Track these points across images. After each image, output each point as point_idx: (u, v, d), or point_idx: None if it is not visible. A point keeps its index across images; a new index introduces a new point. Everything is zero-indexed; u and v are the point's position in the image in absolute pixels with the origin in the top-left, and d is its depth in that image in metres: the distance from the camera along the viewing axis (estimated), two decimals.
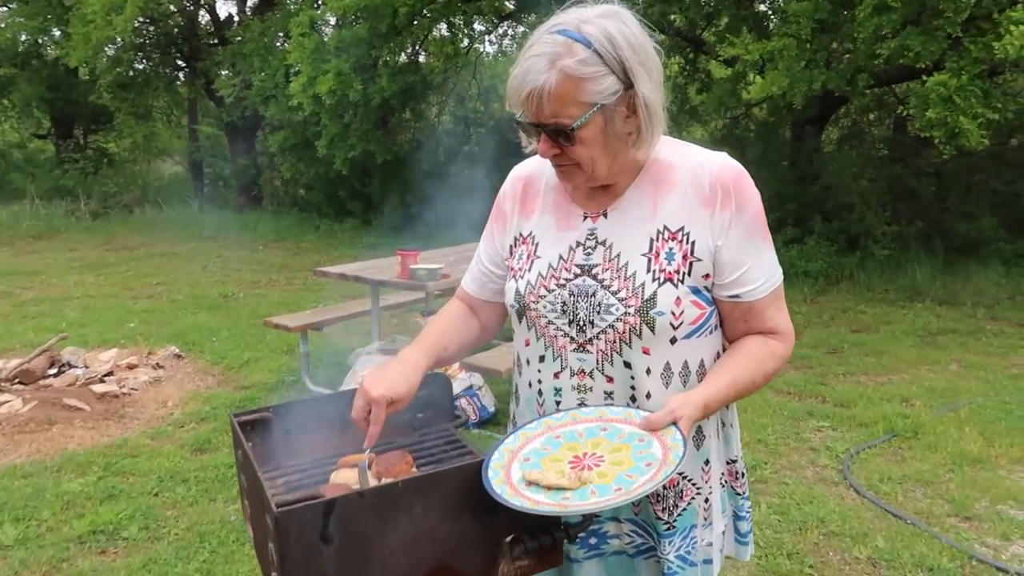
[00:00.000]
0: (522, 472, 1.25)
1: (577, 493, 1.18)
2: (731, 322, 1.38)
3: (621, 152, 1.32)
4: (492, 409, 4.19)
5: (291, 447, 1.57)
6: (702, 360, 1.37)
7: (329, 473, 1.46)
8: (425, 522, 1.22)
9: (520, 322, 1.45)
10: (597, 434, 1.30)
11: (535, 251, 1.44)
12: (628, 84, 1.24)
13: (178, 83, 14.99)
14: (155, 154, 16.93)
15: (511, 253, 1.50)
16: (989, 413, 4.34)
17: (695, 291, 1.33)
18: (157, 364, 5.23)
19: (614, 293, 1.33)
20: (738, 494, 1.51)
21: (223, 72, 12.47)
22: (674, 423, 1.25)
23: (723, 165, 1.35)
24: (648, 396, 1.35)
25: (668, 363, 1.35)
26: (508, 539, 1.30)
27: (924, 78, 6.26)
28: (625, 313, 1.32)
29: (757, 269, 1.34)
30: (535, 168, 1.52)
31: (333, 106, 9.29)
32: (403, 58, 10.88)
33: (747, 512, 1.52)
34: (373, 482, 1.42)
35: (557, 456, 1.28)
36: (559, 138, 1.28)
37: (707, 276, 1.33)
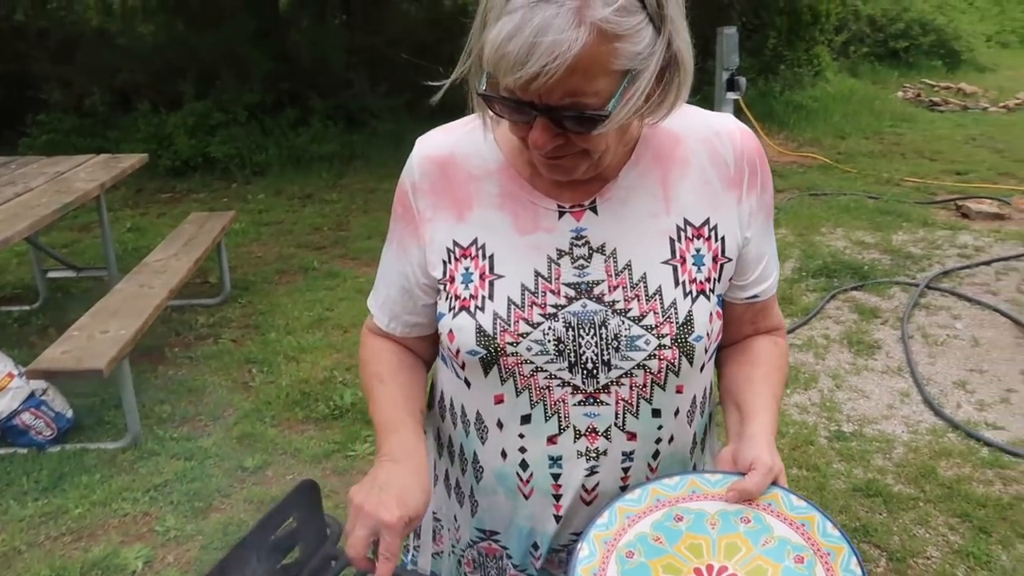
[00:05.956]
0: None
1: None
2: (739, 325, 1.12)
3: (631, 127, 0.95)
4: (70, 415, 3.13)
5: None
6: (712, 381, 1.12)
7: None
8: None
9: (487, 374, 1.00)
10: (736, 527, 0.93)
11: (490, 267, 1.00)
12: (659, 33, 0.83)
13: None
14: None
15: (444, 273, 1.02)
16: None
17: (719, 299, 1.05)
18: None
19: (637, 320, 0.97)
20: None
21: None
22: (775, 483, 0.97)
23: (744, 132, 1.04)
24: (671, 441, 1.06)
25: (695, 397, 1.07)
26: None
27: None
28: (660, 346, 0.97)
29: (771, 261, 1.10)
30: (455, 144, 1.04)
31: None
32: None
33: None
34: None
35: (675, 563, 0.90)
36: (573, 125, 0.85)
37: (731, 278, 1.06)
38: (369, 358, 1.16)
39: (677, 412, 1.05)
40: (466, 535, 1.16)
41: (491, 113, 0.93)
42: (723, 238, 1.02)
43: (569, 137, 0.87)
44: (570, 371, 0.98)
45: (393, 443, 1.03)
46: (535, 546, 1.09)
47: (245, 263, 5.13)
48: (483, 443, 1.07)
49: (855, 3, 11.92)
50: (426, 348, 1.17)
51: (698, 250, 1.01)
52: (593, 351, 0.98)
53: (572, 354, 0.98)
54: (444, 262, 1.03)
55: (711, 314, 1.01)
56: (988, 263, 4.84)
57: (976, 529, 2.60)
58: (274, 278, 4.91)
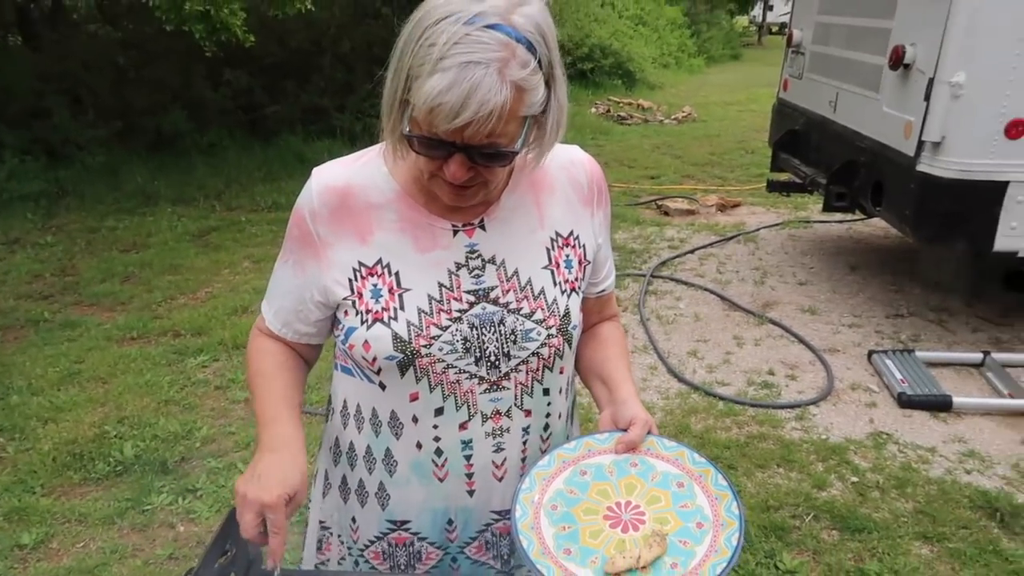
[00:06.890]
0: (561, 540, 1.07)
1: (654, 570, 1.03)
2: (589, 316, 1.37)
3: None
4: None
5: None
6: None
7: None
8: None
9: (403, 375, 1.16)
10: (628, 471, 1.18)
11: (397, 283, 1.16)
12: (549, 88, 1.06)
13: None
14: None
15: (352, 291, 1.16)
16: None
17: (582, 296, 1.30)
18: None
19: (528, 316, 1.19)
20: None
21: None
22: (649, 432, 1.23)
23: (591, 161, 1.31)
24: (560, 416, 1.30)
25: (568, 377, 1.31)
26: None
27: None
28: (548, 336, 1.20)
29: (611, 262, 1.38)
30: (351, 176, 1.18)
31: None
32: None
33: None
34: None
35: (591, 506, 1.13)
36: (486, 160, 1.04)
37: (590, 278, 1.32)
38: (254, 355, 1.27)
39: (561, 390, 1.28)
40: (372, 531, 1.28)
41: (402, 150, 1.08)
42: (584, 245, 1.26)
43: (479, 170, 1.05)
44: (476, 365, 1.16)
45: (271, 434, 1.16)
46: (450, 522, 1.26)
47: None
48: (398, 439, 1.21)
49: None
50: (311, 353, 1.31)
51: (567, 256, 1.24)
52: (495, 345, 1.17)
53: (477, 350, 1.16)
54: (350, 280, 1.16)
55: (578, 307, 1.26)
56: (692, 251, 5.75)
57: (726, 467, 3.17)
58: None
